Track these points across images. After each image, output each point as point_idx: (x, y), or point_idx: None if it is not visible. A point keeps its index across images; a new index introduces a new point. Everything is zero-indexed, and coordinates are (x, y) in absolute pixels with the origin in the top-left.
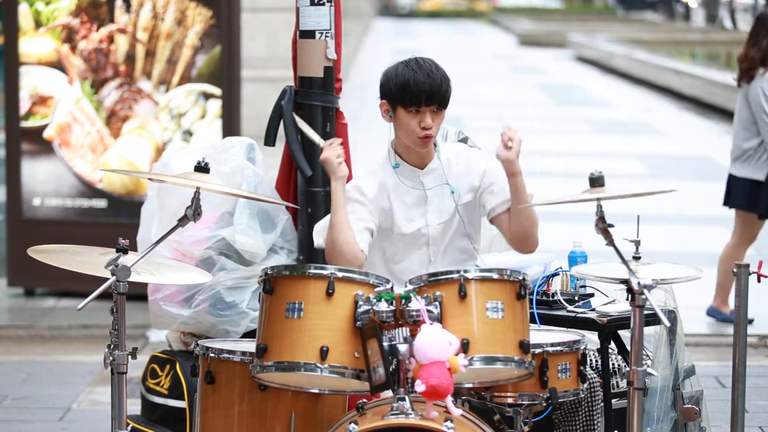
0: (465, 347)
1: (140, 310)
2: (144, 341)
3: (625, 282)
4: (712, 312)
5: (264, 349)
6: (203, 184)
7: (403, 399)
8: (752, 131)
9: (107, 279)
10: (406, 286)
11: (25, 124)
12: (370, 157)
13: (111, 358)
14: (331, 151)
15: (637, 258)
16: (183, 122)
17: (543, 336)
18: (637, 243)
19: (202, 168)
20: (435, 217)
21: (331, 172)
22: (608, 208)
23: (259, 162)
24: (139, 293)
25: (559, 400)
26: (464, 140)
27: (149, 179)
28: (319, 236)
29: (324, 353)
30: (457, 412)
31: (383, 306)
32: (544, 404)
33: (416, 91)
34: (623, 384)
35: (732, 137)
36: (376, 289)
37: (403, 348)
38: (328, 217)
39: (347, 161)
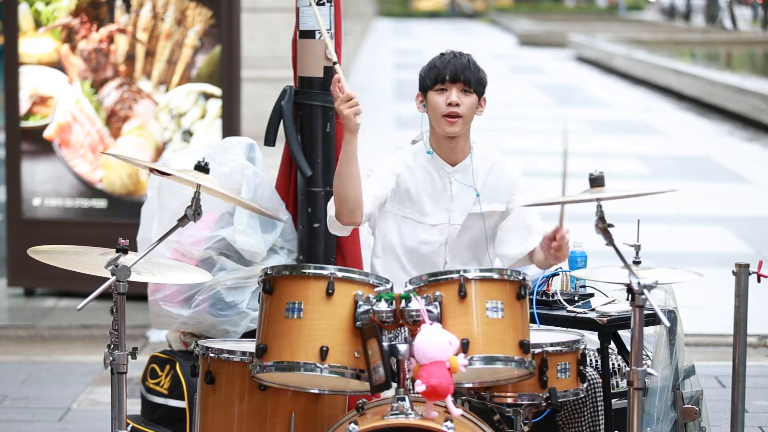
0: (465, 347)
1: (140, 310)
2: (144, 341)
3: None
4: None
5: (264, 349)
6: (203, 181)
7: (403, 399)
8: None
9: (107, 279)
10: (406, 286)
11: (25, 124)
12: (370, 157)
13: (111, 358)
14: (346, 106)
15: (637, 263)
16: (183, 122)
17: (543, 336)
18: (638, 248)
19: (202, 168)
20: (458, 216)
21: (344, 125)
22: (608, 208)
23: (259, 162)
24: (139, 293)
25: (559, 400)
26: None
27: (150, 170)
28: (329, 212)
29: (324, 353)
30: (457, 412)
31: (383, 306)
32: (544, 404)
33: (441, 68)
34: (623, 384)
35: None
36: (376, 289)
37: (403, 348)
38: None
39: None
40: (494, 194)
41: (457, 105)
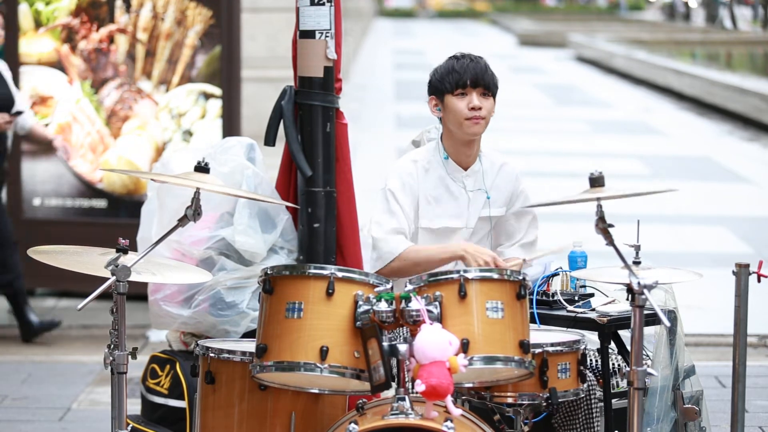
0: (465, 347)
1: (140, 310)
2: (144, 341)
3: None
4: None
5: (264, 349)
6: (203, 185)
7: (403, 399)
8: None
9: (107, 279)
10: (406, 286)
11: None
12: (371, 157)
13: (111, 358)
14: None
15: (637, 263)
16: (183, 122)
17: (543, 336)
18: (637, 248)
19: (202, 168)
20: (472, 220)
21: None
22: (608, 209)
23: (259, 162)
24: (139, 293)
25: (559, 400)
26: None
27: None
28: (386, 258)
29: (324, 353)
30: (457, 412)
31: (383, 306)
32: (544, 404)
33: (461, 72)
34: (623, 384)
35: None
36: (376, 289)
37: (403, 348)
38: (395, 241)
39: (347, 159)
40: (499, 197)
41: (479, 109)
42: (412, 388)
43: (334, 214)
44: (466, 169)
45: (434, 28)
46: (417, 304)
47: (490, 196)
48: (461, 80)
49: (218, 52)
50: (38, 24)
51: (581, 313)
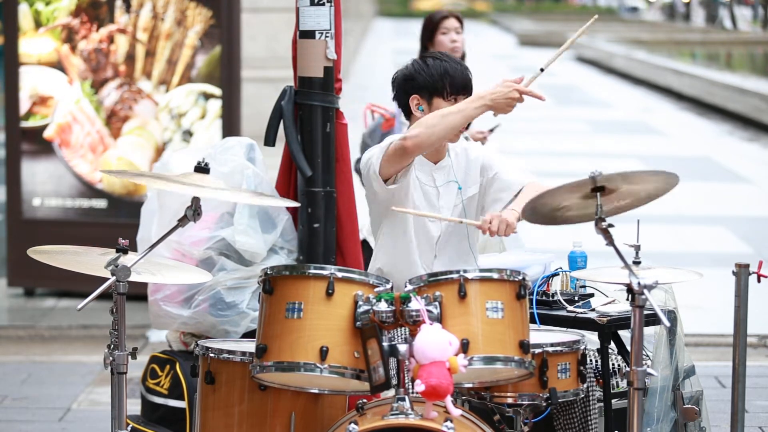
0: (465, 347)
1: (140, 310)
2: (144, 341)
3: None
4: None
5: (264, 350)
6: (200, 192)
7: (403, 399)
8: None
9: (107, 279)
10: (406, 286)
11: (25, 124)
12: None
13: (111, 358)
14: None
15: (637, 263)
16: (183, 122)
17: (543, 336)
18: (637, 248)
19: (202, 168)
20: (445, 212)
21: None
22: None
23: (259, 162)
24: (139, 293)
25: (559, 400)
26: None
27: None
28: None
29: (324, 353)
30: (456, 412)
31: (383, 306)
32: (544, 404)
33: (457, 78)
34: (623, 384)
35: None
36: (376, 290)
37: (403, 348)
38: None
39: (346, 159)
40: (469, 179)
41: None
42: (412, 388)
43: (334, 214)
44: (436, 163)
45: None
46: (417, 304)
47: (461, 186)
48: (455, 86)
49: (218, 53)
50: (38, 24)
51: (581, 313)
